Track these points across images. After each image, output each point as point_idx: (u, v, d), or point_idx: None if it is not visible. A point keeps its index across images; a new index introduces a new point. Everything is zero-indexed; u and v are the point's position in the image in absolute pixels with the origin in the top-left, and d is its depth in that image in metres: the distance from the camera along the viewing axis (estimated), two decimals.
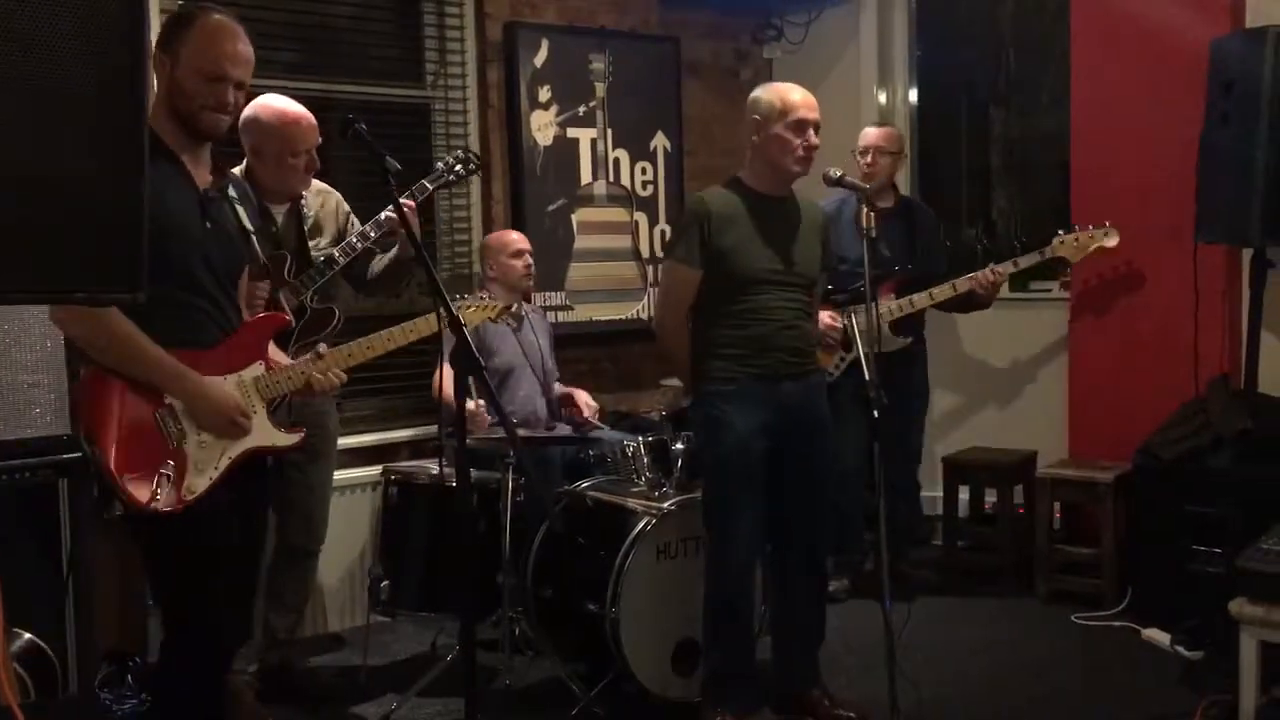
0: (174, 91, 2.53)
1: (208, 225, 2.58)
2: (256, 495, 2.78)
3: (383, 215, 3.63)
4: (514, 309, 4.04)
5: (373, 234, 3.63)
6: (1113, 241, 4.42)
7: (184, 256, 2.52)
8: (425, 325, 3.10)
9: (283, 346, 2.93)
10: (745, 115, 3.49)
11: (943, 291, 4.42)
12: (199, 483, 2.55)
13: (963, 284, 4.44)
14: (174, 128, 2.55)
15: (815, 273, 3.53)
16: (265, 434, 2.68)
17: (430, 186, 3.72)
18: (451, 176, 3.81)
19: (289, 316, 3.03)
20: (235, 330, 2.67)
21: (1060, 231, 4.49)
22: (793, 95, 3.41)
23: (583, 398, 4.59)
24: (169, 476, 2.51)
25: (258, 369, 2.70)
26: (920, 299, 4.46)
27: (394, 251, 3.69)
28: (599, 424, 4.55)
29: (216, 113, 2.55)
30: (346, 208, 3.82)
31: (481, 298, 3.78)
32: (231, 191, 2.72)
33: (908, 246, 4.60)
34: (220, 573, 2.59)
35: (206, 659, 2.63)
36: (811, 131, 3.38)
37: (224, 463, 2.60)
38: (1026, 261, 4.44)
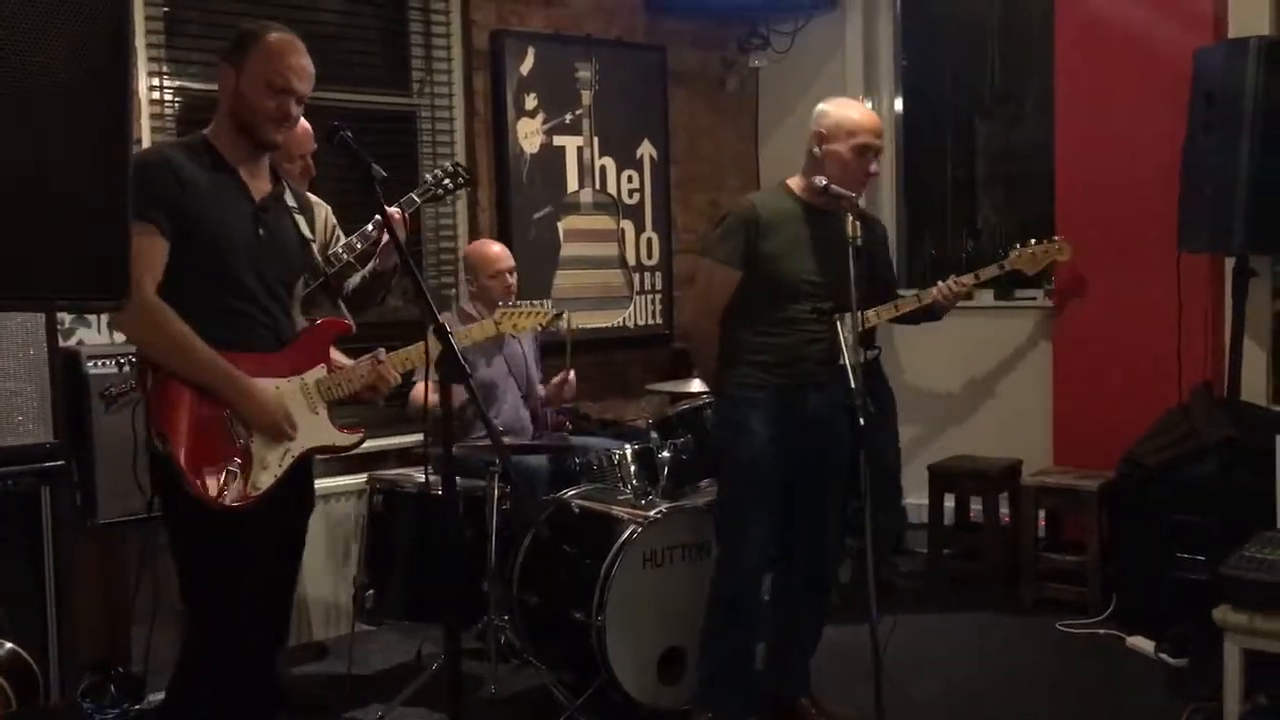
0: (238, 103, 2.64)
1: (261, 234, 2.69)
2: (303, 496, 2.88)
3: (369, 226, 3.61)
4: (563, 315, 4.05)
5: (359, 245, 3.61)
6: (1065, 256, 4.44)
7: (235, 265, 2.64)
8: (479, 331, 3.44)
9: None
10: (809, 125, 3.44)
11: (908, 303, 4.43)
12: (264, 479, 2.65)
13: (926, 296, 4.45)
14: (234, 139, 2.68)
15: (844, 286, 3.47)
16: (327, 434, 2.80)
17: (418, 200, 3.71)
18: (440, 190, 3.80)
19: (350, 322, 3.06)
20: (291, 336, 2.78)
21: (1018, 244, 4.51)
22: (863, 118, 3.38)
23: (564, 375, 4.49)
24: (235, 473, 2.61)
25: (320, 371, 2.81)
26: (886, 311, 4.46)
27: (372, 265, 3.67)
28: (570, 410, 4.47)
29: (279, 124, 2.66)
30: (334, 221, 3.81)
31: (533, 304, 3.76)
32: (290, 201, 2.83)
33: (868, 258, 4.60)
34: (256, 574, 2.67)
35: (234, 660, 2.66)
36: (872, 157, 3.36)
37: (287, 460, 2.70)
38: (987, 274, 4.45)
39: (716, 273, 3.43)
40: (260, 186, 2.74)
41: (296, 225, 2.83)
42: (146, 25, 4.18)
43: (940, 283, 4.33)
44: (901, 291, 4.22)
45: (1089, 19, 4.79)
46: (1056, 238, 4.43)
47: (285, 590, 2.93)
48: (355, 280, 3.73)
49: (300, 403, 2.75)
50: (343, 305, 3.39)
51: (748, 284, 3.38)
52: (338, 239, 3.76)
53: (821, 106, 3.45)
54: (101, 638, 3.83)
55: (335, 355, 2.90)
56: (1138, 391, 4.59)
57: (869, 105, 5.78)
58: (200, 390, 2.60)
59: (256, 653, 2.77)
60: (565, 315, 4.09)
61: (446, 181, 3.77)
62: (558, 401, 4.57)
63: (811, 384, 3.40)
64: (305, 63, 2.68)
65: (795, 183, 3.47)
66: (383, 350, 2.99)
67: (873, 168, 3.38)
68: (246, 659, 2.69)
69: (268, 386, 2.68)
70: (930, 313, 4.51)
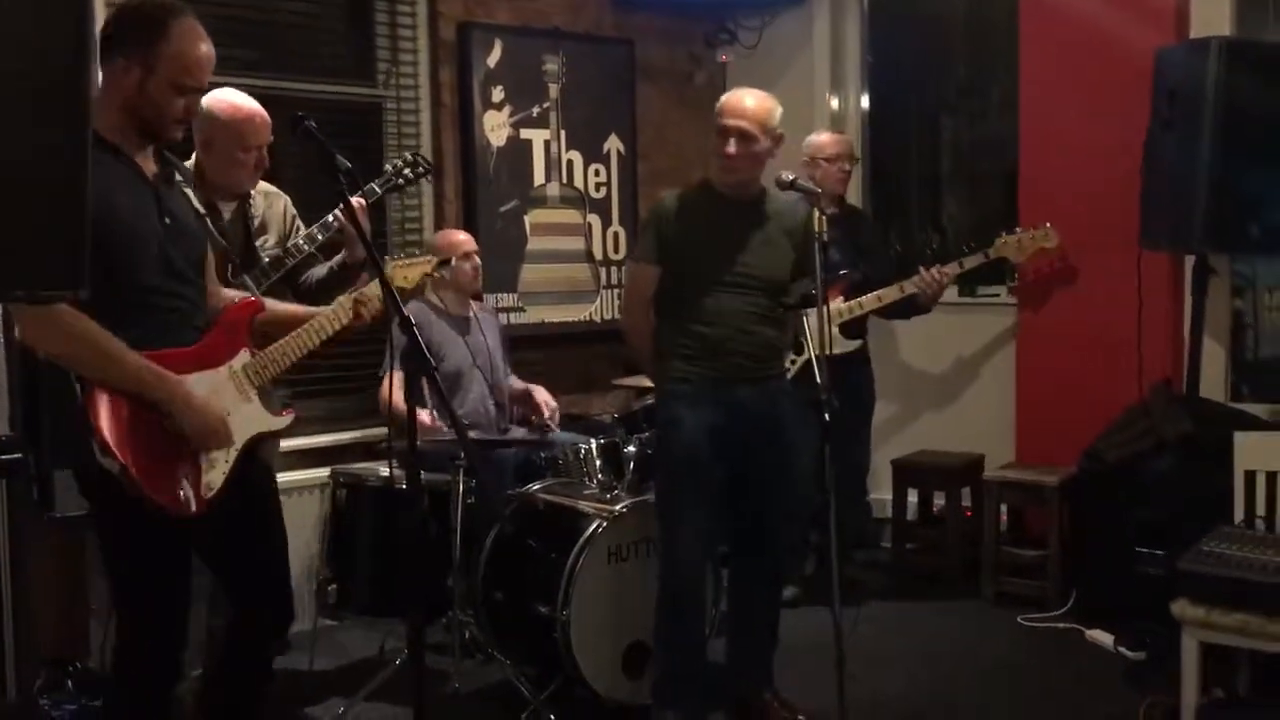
0: (142, 102, 2.47)
1: (166, 222, 2.55)
2: (253, 474, 2.75)
3: (330, 217, 3.58)
4: (451, 263, 4.01)
5: (320, 236, 3.59)
6: (1052, 242, 4.48)
7: (145, 259, 2.49)
8: (372, 288, 2.95)
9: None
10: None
11: (890, 293, 4.46)
12: (215, 478, 2.57)
13: (909, 286, 4.48)
14: (128, 128, 2.50)
15: (780, 276, 3.46)
16: (261, 420, 2.71)
17: (379, 190, 3.69)
18: (400, 180, 3.77)
19: (260, 299, 2.98)
20: (208, 319, 2.66)
21: (1003, 232, 4.54)
22: (726, 100, 3.40)
23: (541, 396, 4.50)
24: (187, 478, 2.52)
25: (244, 356, 2.70)
26: (868, 300, 4.49)
27: (339, 257, 3.65)
28: (553, 426, 4.49)
29: (184, 123, 2.55)
30: (293, 211, 3.78)
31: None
32: (178, 176, 2.67)
33: (854, 250, 4.62)
34: (187, 576, 2.60)
35: (167, 664, 2.61)
36: (733, 140, 3.33)
37: (234, 454, 2.62)
38: (971, 263, 4.49)
39: (635, 268, 3.50)
40: (150, 168, 2.56)
41: (190, 200, 2.66)
42: (105, 14, 4.11)
43: (924, 271, 4.34)
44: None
45: (1053, 17, 4.82)
46: (1046, 224, 4.44)
47: (277, 562, 2.85)
48: (321, 271, 3.70)
49: (231, 391, 2.65)
50: (250, 283, 3.32)
51: (669, 279, 3.40)
52: (298, 229, 3.73)
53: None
54: (59, 633, 3.78)
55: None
56: (1099, 388, 4.63)
57: (835, 103, 5.81)
58: (136, 399, 2.46)
59: (268, 629, 2.77)
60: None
61: (407, 171, 3.75)
62: (528, 412, 4.55)
63: (742, 377, 3.40)
64: (209, 49, 2.51)
65: (715, 177, 3.47)
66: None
67: (729, 148, 3.33)
68: (176, 656, 2.63)
69: (200, 385, 2.57)
70: (916, 305, 4.53)
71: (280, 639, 3.03)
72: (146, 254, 2.49)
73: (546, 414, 4.46)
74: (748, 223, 3.42)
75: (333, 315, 2.87)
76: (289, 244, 3.61)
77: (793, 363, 4.48)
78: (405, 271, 3.38)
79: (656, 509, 3.50)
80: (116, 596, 2.62)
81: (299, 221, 3.76)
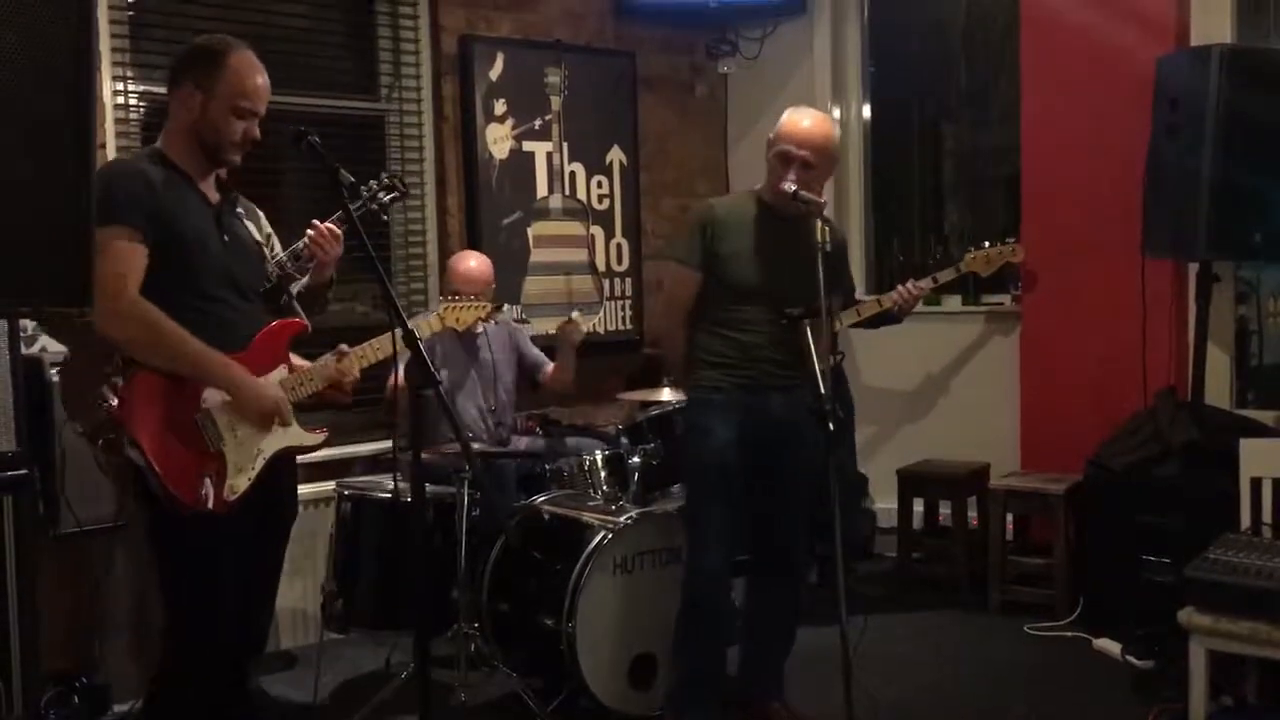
0: (204, 125, 2.72)
1: (225, 239, 2.77)
2: (282, 502, 2.93)
3: (300, 244, 3.57)
4: (504, 309, 4.05)
5: (289, 265, 3.54)
6: (1018, 257, 4.47)
7: (205, 269, 2.70)
8: (425, 327, 3.39)
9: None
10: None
11: (869, 307, 4.45)
12: (240, 482, 2.69)
13: (887, 300, 4.47)
14: (190, 153, 2.74)
15: (814, 295, 3.45)
16: (294, 434, 2.84)
17: (354, 213, 3.66)
18: (374, 205, 3.71)
19: (305, 321, 3.04)
20: (256, 334, 2.81)
21: (971, 247, 4.54)
22: (788, 124, 3.36)
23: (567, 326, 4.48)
24: (212, 478, 2.64)
25: (281, 372, 2.85)
26: (847, 316, 4.48)
27: (307, 279, 3.63)
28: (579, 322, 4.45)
29: (243, 147, 2.75)
30: (269, 229, 3.77)
31: (473, 297, 3.72)
32: (239, 208, 2.89)
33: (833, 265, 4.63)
34: (234, 579, 2.69)
35: (215, 666, 2.68)
36: (795, 168, 3.30)
37: (260, 462, 2.74)
38: (944, 276, 4.47)
39: (676, 272, 3.48)
40: (212, 195, 2.81)
41: (249, 230, 2.90)
42: (111, 30, 4.13)
43: (899, 286, 4.34)
44: (862, 297, 4.24)
45: (1053, 26, 4.83)
46: (1010, 239, 4.45)
47: (264, 598, 2.93)
48: (295, 289, 3.72)
49: None
50: (297, 306, 3.37)
51: (706, 285, 3.40)
52: (272, 249, 3.74)
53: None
54: (65, 649, 3.78)
55: (295, 359, 2.93)
56: (1103, 395, 4.63)
57: (836, 113, 5.82)
58: (170, 392, 2.63)
59: (232, 659, 2.79)
60: (505, 308, 4.09)
61: (380, 195, 3.69)
62: (567, 345, 4.51)
63: (773, 385, 3.41)
64: (265, 81, 2.77)
65: (763, 188, 3.47)
66: (345, 345, 3.02)
67: (791, 177, 3.29)
68: (225, 664, 2.71)
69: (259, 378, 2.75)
70: (889, 316, 4.53)
71: (250, 659, 3.07)
72: (209, 266, 2.70)
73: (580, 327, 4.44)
74: (791, 239, 3.37)
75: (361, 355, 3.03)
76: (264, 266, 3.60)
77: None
78: (458, 314, 3.46)
79: (683, 514, 3.51)
80: (165, 597, 2.73)
81: (275, 239, 3.76)
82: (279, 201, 4.49)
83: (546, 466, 4.18)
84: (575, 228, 5.51)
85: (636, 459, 3.91)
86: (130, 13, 4.25)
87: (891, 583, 5.06)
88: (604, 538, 3.59)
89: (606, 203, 5.61)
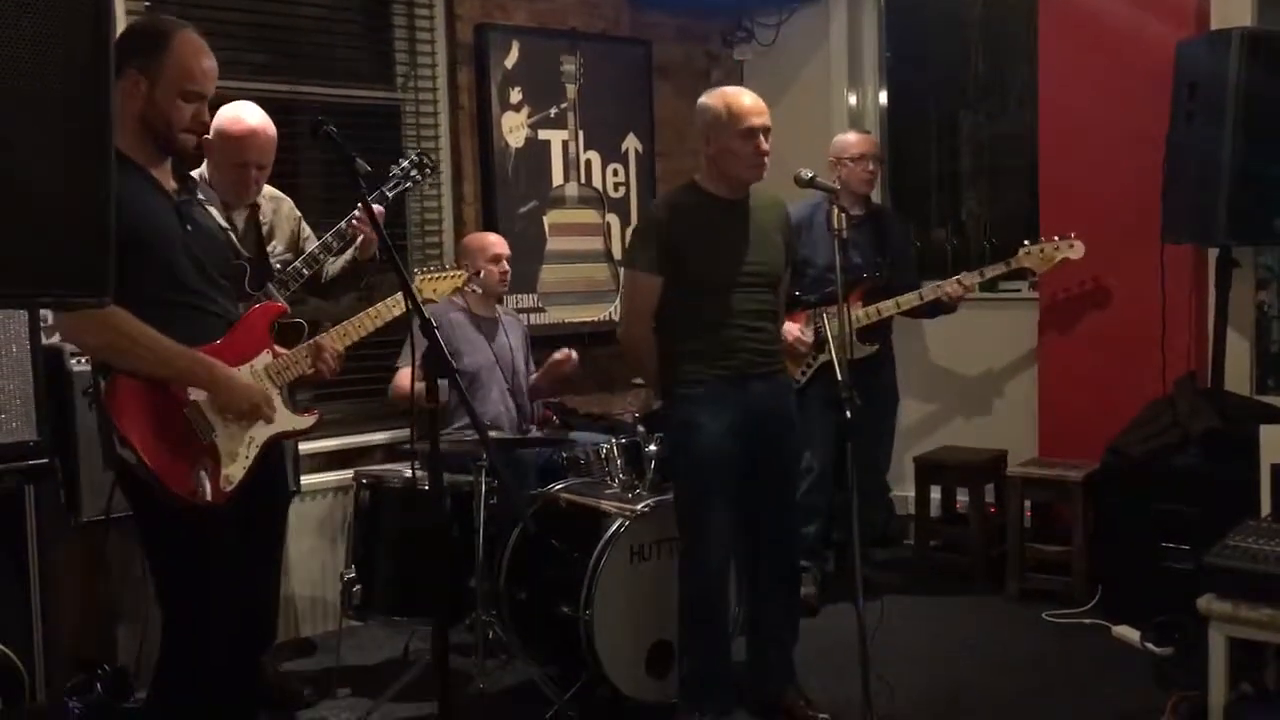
0: (150, 112, 2.56)
1: (187, 228, 2.64)
2: (275, 487, 2.87)
3: (344, 224, 3.62)
4: (480, 275, 4.02)
5: (334, 244, 3.62)
6: (1077, 254, 4.44)
7: (170, 261, 2.57)
8: (425, 286, 3.35)
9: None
10: (695, 122, 3.45)
11: (909, 300, 4.45)
12: (235, 471, 2.64)
13: (929, 293, 4.47)
14: (144, 144, 2.58)
15: (779, 270, 3.50)
16: (285, 419, 2.78)
17: (389, 194, 3.73)
18: (409, 183, 3.79)
19: (283, 304, 3.03)
20: (235, 323, 2.73)
21: (1026, 242, 4.51)
22: (741, 101, 3.36)
23: (560, 354, 4.45)
24: (207, 470, 2.60)
25: (266, 357, 2.77)
26: (887, 307, 4.47)
27: (350, 253, 3.69)
28: (573, 358, 4.44)
29: (195, 132, 2.61)
30: (298, 213, 3.81)
31: (445, 267, 3.71)
32: (200, 195, 2.76)
33: (878, 254, 4.61)
34: (230, 570, 2.64)
35: (215, 657, 2.64)
36: (762, 138, 3.33)
37: (253, 450, 2.69)
38: (992, 272, 4.48)
39: (638, 280, 3.45)
40: (169, 183, 2.67)
41: (213, 215, 2.78)
42: (128, 21, 4.15)
43: (945, 282, 4.35)
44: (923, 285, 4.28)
45: (1071, 11, 4.80)
46: (1070, 235, 4.42)
47: (268, 586, 2.92)
48: (333, 269, 3.76)
49: None
50: (273, 289, 3.38)
51: (672, 285, 3.40)
52: (304, 232, 3.79)
53: (701, 101, 3.44)
54: (87, 636, 3.82)
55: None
56: (1122, 382, 4.61)
57: (853, 100, 5.79)
58: (157, 387, 2.56)
59: (241, 651, 2.75)
60: (481, 274, 4.06)
61: (414, 173, 3.78)
62: (555, 378, 4.51)
63: (753, 374, 3.41)
64: (212, 62, 2.62)
65: (702, 178, 3.47)
66: (323, 335, 2.98)
67: (765, 146, 3.34)
68: (226, 656, 2.66)
69: (238, 370, 2.67)
70: (941, 306, 4.54)
71: (263, 650, 3.06)
72: (175, 258, 2.58)
73: (567, 359, 4.41)
74: (743, 221, 3.43)
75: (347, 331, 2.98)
76: (307, 254, 3.64)
77: (809, 366, 4.48)
78: (435, 284, 3.44)
79: (677, 512, 3.49)
80: (159, 593, 2.68)
81: (304, 224, 3.79)
82: (301, 190, 4.50)
83: (564, 454, 4.18)
84: (591, 216, 5.51)
85: (653, 447, 3.91)
86: (147, 3, 4.26)
87: (909, 570, 5.05)
88: (621, 525, 3.59)
89: (622, 190, 5.61)
